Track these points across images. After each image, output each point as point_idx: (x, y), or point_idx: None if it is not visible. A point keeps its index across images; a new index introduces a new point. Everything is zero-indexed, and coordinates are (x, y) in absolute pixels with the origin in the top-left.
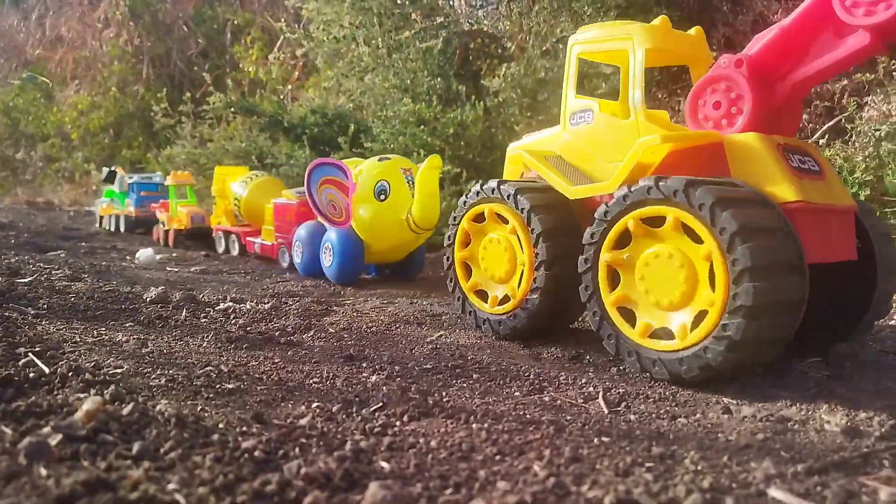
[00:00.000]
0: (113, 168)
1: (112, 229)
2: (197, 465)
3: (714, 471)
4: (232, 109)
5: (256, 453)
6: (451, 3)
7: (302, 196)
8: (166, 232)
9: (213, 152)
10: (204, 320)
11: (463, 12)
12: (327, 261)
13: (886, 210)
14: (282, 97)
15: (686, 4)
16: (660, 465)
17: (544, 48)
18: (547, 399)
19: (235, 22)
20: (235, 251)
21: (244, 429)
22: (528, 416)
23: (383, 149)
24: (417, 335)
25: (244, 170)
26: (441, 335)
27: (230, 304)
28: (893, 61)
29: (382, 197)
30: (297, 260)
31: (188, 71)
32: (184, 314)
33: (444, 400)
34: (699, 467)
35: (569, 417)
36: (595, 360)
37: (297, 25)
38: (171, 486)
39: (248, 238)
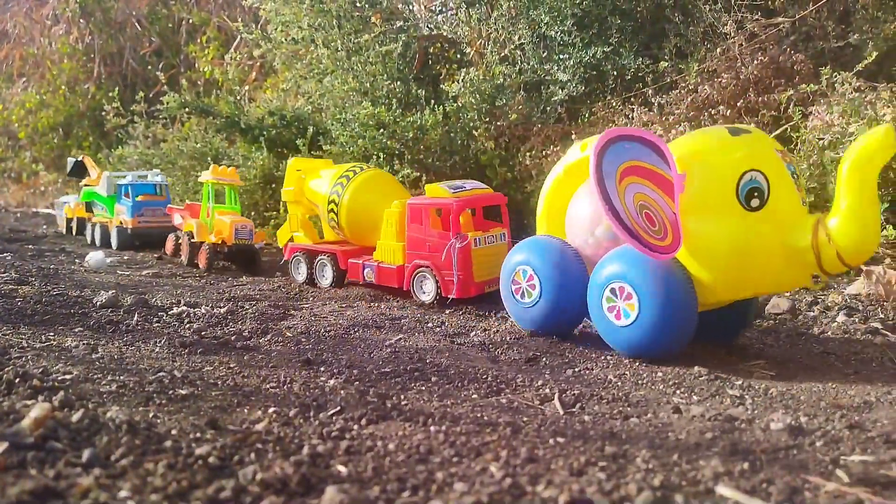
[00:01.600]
0: (80, 157)
1: (96, 243)
2: (149, 473)
3: (664, 469)
4: (187, 109)
5: (211, 459)
6: (411, 6)
7: (460, 192)
8: (193, 246)
9: (166, 153)
10: (156, 325)
11: (422, 16)
12: (621, 313)
13: None
14: (238, 98)
15: (639, 15)
16: (612, 464)
17: (503, 54)
18: (504, 401)
19: (191, 21)
20: (326, 279)
21: (198, 435)
22: (485, 417)
23: (342, 151)
24: (376, 339)
25: (327, 162)
26: (400, 338)
27: (184, 308)
28: (836, 73)
29: (755, 202)
30: (519, 301)
31: (141, 70)
32: (135, 318)
33: (403, 403)
34: (650, 466)
35: (525, 419)
36: (551, 363)
37: (254, 26)
38: (122, 494)
39: (352, 260)
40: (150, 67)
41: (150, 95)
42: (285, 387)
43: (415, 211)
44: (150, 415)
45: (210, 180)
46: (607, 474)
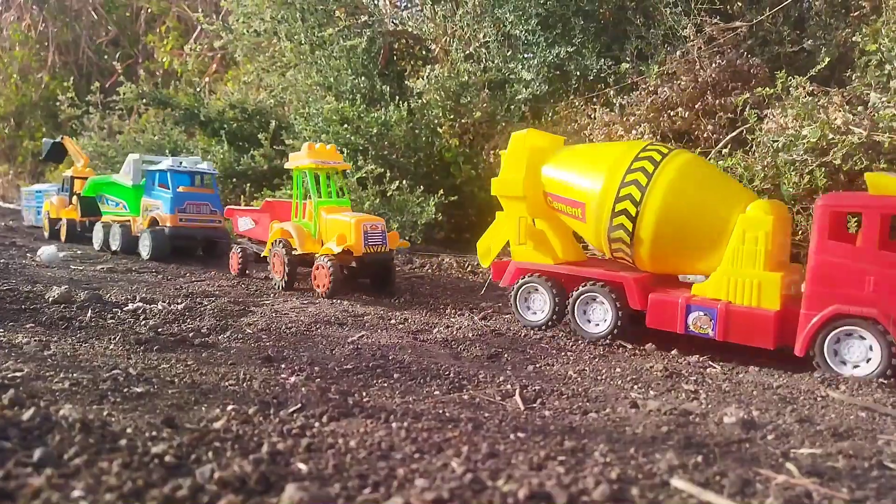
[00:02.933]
0: (59, 138)
1: (113, 249)
2: (103, 472)
3: (621, 462)
4: (144, 100)
5: (167, 458)
6: (376, 2)
7: None
8: (294, 262)
9: (122, 145)
10: (111, 321)
11: (387, 12)
12: None
13: None
14: (198, 90)
15: (602, 17)
16: (571, 458)
17: (468, 52)
18: (466, 397)
19: (149, 10)
20: (599, 325)
21: (154, 433)
22: (447, 414)
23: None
24: (338, 336)
25: (559, 139)
26: (362, 335)
27: (140, 304)
28: (791, 77)
29: None
30: None
31: (97, 59)
32: (89, 315)
33: (365, 400)
34: (608, 459)
35: (487, 414)
36: (513, 359)
37: (215, 16)
38: (75, 494)
39: (658, 296)
40: (106, 57)
41: (107, 86)
42: (244, 384)
43: (837, 217)
44: (105, 413)
45: (306, 165)
46: (566, 468)
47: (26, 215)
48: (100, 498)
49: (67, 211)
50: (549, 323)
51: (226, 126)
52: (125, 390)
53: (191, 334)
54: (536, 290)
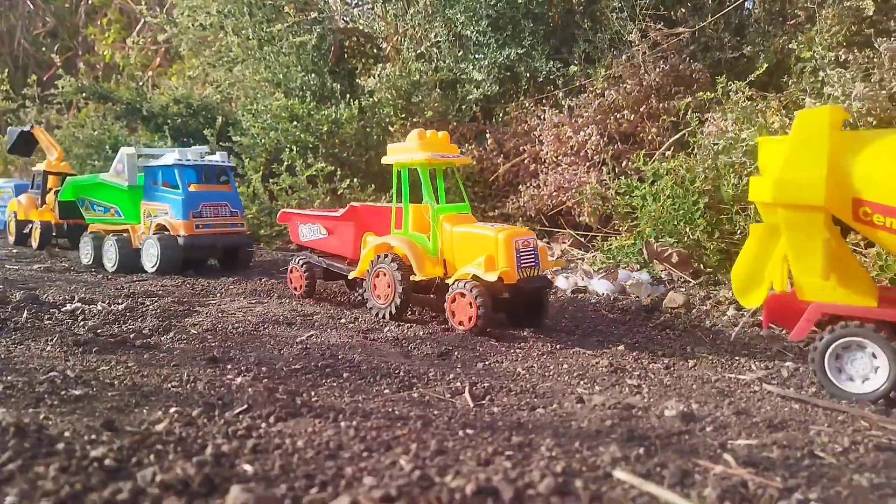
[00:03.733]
0: (27, 127)
1: (107, 266)
2: (39, 476)
3: (567, 456)
4: (84, 94)
5: (107, 462)
6: None
7: None
8: (405, 286)
9: (60, 140)
10: (48, 322)
11: (338, 9)
12: None
13: (722, 216)
14: (141, 84)
15: (551, 20)
16: (518, 453)
17: (419, 51)
18: (416, 395)
19: (90, 1)
20: None
21: (93, 437)
22: (396, 412)
23: (253, 143)
24: (287, 335)
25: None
26: (311, 335)
27: (78, 304)
28: (731, 82)
29: None
30: None
31: (34, 51)
32: (25, 315)
33: (313, 400)
34: (553, 453)
35: (436, 412)
36: (463, 357)
37: (159, 9)
38: (9, 500)
39: None
40: (44, 49)
41: (44, 79)
42: (188, 386)
43: None
44: (41, 416)
45: (420, 161)
46: (513, 463)
47: None
48: (35, 503)
49: (40, 212)
50: (891, 395)
51: (170, 121)
52: (63, 393)
53: (132, 335)
54: (860, 346)
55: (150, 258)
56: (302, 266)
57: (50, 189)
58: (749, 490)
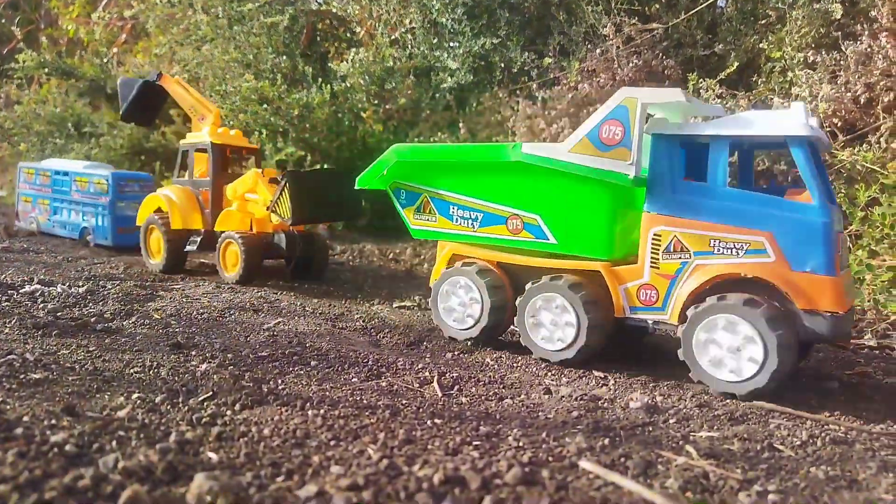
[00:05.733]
0: (152, 75)
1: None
2: None
3: (534, 446)
4: (46, 70)
5: (67, 447)
6: None
7: None
8: None
9: (21, 116)
10: (6, 304)
11: None
12: None
13: None
14: (105, 61)
15: (527, 10)
16: (486, 443)
17: (393, 37)
18: (384, 384)
19: None
20: None
21: (53, 422)
22: (364, 401)
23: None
24: (253, 322)
25: None
26: (279, 322)
27: (37, 286)
28: (702, 79)
29: None
30: None
31: None
32: None
33: (280, 387)
34: (521, 443)
35: (405, 401)
36: (432, 347)
37: None
38: None
39: None
40: (3, 21)
41: (4, 52)
42: (151, 372)
43: None
44: None
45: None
46: (480, 453)
47: (26, 214)
48: None
49: (228, 215)
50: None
51: None
52: (21, 376)
53: (93, 319)
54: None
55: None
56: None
57: (230, 174)
58: (710, 481)
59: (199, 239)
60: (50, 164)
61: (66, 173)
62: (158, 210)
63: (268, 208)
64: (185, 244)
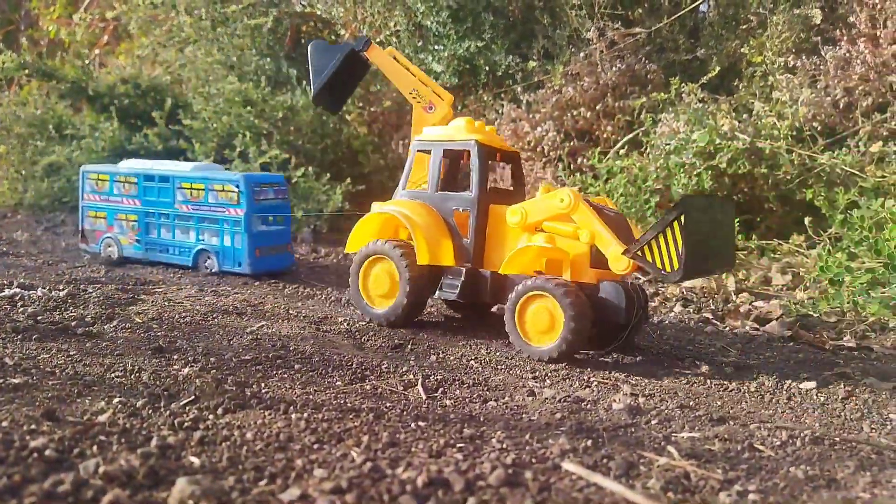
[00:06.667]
0: (359, 41)
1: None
2: None
3: (517, 448)
4: (26, 71)
5: (47, 452)
6: None
7: None
8: None
9: (1, 118)
10: None
11: None
12: None
13: None
14: (87, 62)
15: (511, 14)
16: (470, 445)
17: (378, 40)
18: (368, 387)
19: None
20: None
21: (33, 427)
22: (348, 404)
23: (204, 127)
24: (237, 325)
25: None
26: (262, 325)
27: (17, 290)
28: (684, 84)
29: None
30: None
31: None
32: None
33: (263, 391)
34: (504, 445)
35: (388, 404)
36: (416, 349)
37: None
38: None
39: None
40: None
41: None
42: (133, 376)
43: None
44: None
45: None
46: (464, 455)
47: (98, 234)
48: None
49: (522, 252)
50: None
51: (116, 102)
52: (0, 381)
53: (73, 323)
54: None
55: None
56: None
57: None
58: (691, 481)
59: (459, 282)
60: (134, 167)
61: (164, 178)
62: (391, 236)
63: (628, 252)
64: (432, 286)
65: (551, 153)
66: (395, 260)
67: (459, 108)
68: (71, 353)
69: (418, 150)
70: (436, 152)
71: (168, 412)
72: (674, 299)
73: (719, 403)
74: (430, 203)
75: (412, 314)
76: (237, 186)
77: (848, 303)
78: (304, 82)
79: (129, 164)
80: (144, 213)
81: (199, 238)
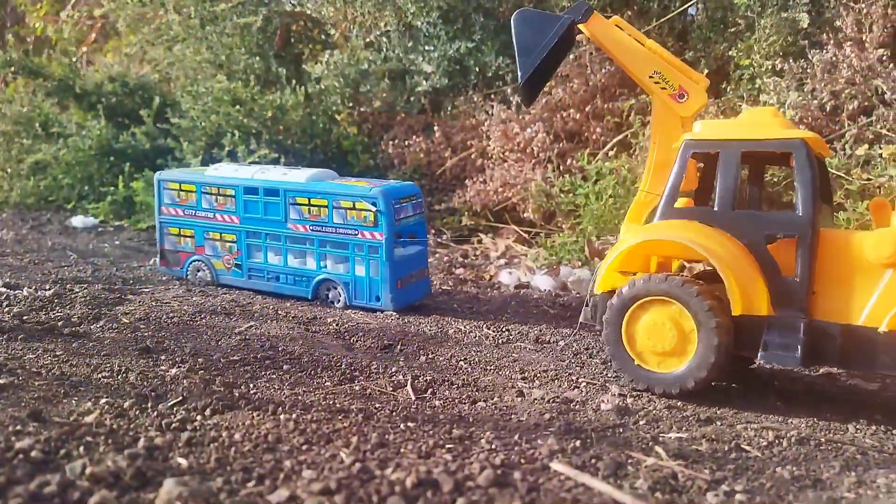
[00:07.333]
0: (578, 12)
1: None
2: None
3: (506, 449)
4: (12, 68)
5: (33, 453)
6: None
7: None
8: None
9: None
10: None
11: None
12: None
13: None
14: (74, 60)
15: (501, 14)
16: (459, 445)
17: (368, 40)
18: (357, 388)
19: None
20: None
21: (19, 427)
22: (337, 405)
23: (192, 126)
24: (225, 326)
25: None
26: (251, 326)
27: (3, 289)
28: None
29: None
30: None
31: None
32: None
33: (252, 392)
34: (493, 446)
35: (378, 405)
36: (406, 350)
37: None
38: None
39: None
40: None
41: None
42: (120, 376)
43: None
44: None
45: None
46: (453, 455)
47: (184, 256)
48: None
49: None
50: None
51: (104, 100)
52: None
53: (60, 323)
54: None
55: None
56: None
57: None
58: (679, 482)
59: (798, 341)
60: (229, 175)
61: (273, 191)
62: (639, 268)
63: None
64: (747, 341)
65: (541, 154)
66: (690, 304)
67: (450, 108)
68: (57, 353)
69: (693, 153)
70: (729, 155)
71: (155, 413)
72: None
73: (706, 404)
74: (721, 226)
75: (717, 375)
76: (374, 205)
77: None
78: (294, 81)
79: (220, 171)
80: (245, 233)
81: (321, 266)
